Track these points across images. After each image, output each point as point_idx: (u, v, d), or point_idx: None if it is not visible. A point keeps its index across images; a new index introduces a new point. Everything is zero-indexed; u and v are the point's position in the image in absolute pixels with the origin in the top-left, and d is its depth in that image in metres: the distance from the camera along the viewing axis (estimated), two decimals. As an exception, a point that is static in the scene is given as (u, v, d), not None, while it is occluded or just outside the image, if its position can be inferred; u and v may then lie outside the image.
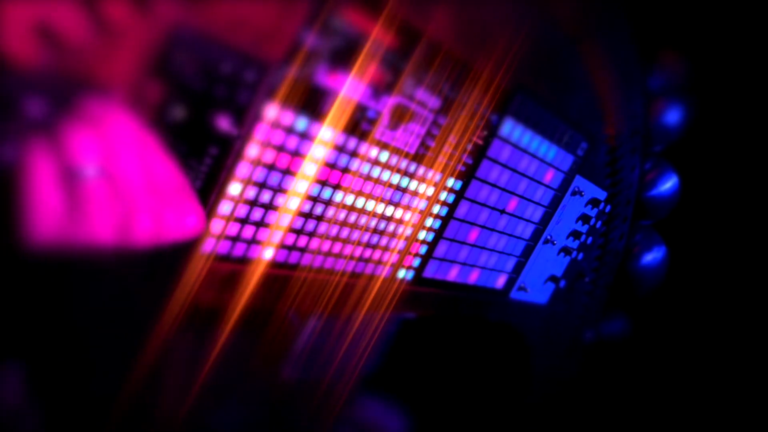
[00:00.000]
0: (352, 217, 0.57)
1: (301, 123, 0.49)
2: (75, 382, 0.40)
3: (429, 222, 0.65)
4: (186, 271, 0.44)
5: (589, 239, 0.87)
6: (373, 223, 0.60)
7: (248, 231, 0.51)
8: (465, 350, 0.85)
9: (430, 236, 0.67)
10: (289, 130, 0.48)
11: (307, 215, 0.54)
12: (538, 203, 0.76)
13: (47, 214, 0.33)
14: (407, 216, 0.62)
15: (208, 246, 0.49)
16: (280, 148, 0.49)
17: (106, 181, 0.36)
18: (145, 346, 0.43)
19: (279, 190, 0.51)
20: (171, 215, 0.40)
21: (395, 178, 0.59)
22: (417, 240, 0.65)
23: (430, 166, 0.61)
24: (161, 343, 0.48)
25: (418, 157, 0.59)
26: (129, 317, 0.41)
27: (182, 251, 0.41)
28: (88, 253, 0.35)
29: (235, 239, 0.50)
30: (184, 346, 0.53)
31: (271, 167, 0.49)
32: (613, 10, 0.74)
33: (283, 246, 0.54)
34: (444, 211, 0.66)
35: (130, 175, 0.38)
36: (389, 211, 0.61)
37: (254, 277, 0.53)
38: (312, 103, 0.48)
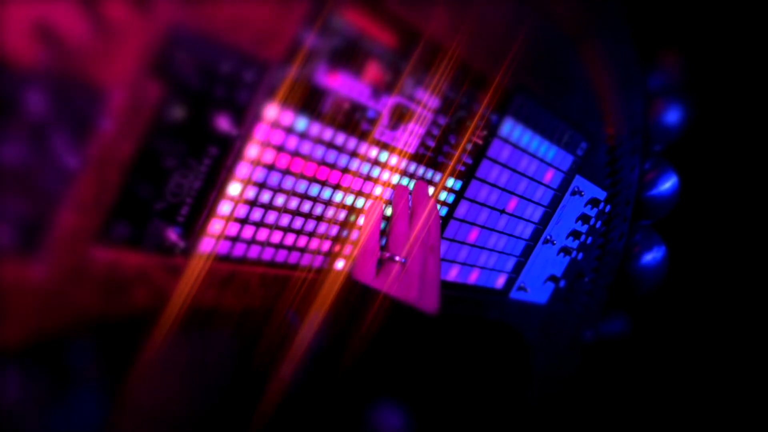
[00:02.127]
0: (352, 217, 0.57)
1: (301, 123, 0.48)
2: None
3: (429, 222, 0.65)
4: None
5: (589, 239, 0.87)
6: (372, 223, 0.59)
7: (248, 231, 0.51)
8: (465, 350, 0.85)
9: (430, 236, 0.66)
10: (289, 130, 0.48)
11: (306, 215, 0.54)
12: (537, 203, 0.76)
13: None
14: (407, 216, 0.62)
15: (207, 246, 0.48)
16: (280, 148, 0.49)
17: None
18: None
19: (279, 190, 0.51)
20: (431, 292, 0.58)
21: (395, 179, 0.59)
22: (417, 240, 0.65)
23: (430, 166, 0.61)
24: (160, 343, 0.48)
25: (417, 157, 0.59)
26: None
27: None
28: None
29: (234, 239, 0.50)
30: (184, 346, 0.53)
31: (270, 167, 0.49)
32: (612, 10, 0.74)
33: (282, 246, 0.54)
34: (444, 211, 0.66)
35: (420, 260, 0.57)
36: (389, 211, 0.61)
37: (254, 277, 0.53)
38: (312, 103, 0.48)
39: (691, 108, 0.86)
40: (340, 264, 0.59)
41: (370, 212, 0.56)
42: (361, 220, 0.57)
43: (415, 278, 0.56)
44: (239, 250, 0.51)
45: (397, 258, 0.55)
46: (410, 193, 0.59)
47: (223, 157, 0.45)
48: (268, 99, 0.45)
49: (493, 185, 0.69)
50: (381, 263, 0.56)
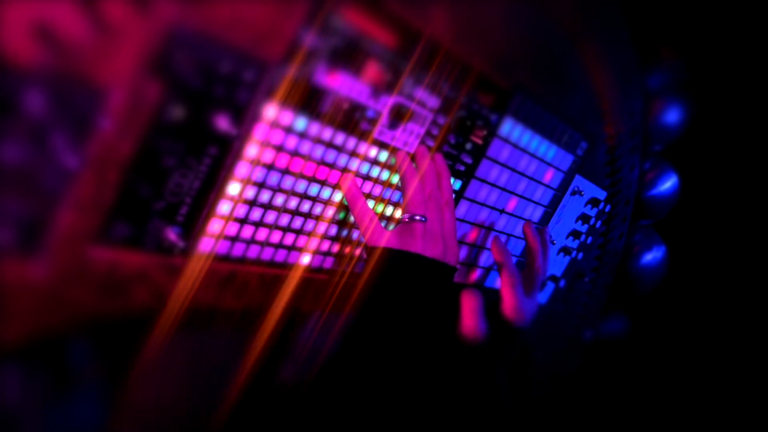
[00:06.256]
0: (352, 217, 0.57)
1: (300, 123, 0.48)
2: None
3: (428, 222, 0.65)
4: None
5: (589, 239, 0.87)
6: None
7: (247, 231, 0.51)
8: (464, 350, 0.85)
9: (430, 236, 0.66)
10: (288, 130, 0.48)
11: (306, 215, 0.54)
12: (537, 203, 0.76)
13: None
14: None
15: (206, 246, 0.48)
16: (279, 148, 0.49)
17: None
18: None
19: (278, 189, 0.51)
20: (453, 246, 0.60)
21: (395, 178, 0.59)
22: (416, 240, 0.65)
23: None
24: (161, 342, 0.48)
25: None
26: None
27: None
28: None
29: (234, 239, 0.50)
30: (183, 345, 0.53)
31: (270, 167, 0.49)
32: (611, 10, 0.74)
33: (282, 246, 0.54)
34: (443, 211, 0.66)
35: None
36: (389, 210, 0.61)
37: (253, 276, 0.53)
38: (311, 102, 0.48)
39: (690, 107, 0.86)
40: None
41: (345, 186, 0.56)
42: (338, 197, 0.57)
43: (437, 235, 0.57)
44: (238, 249, 0.51)
45: (418, 217, 0.56)
46: (412, 158, 0.59)
47: (222, 157, 0.45)
48: (268, 99, 0.45)
49: (493, 185, 0.69)
50: (403, 226, 0.57)
